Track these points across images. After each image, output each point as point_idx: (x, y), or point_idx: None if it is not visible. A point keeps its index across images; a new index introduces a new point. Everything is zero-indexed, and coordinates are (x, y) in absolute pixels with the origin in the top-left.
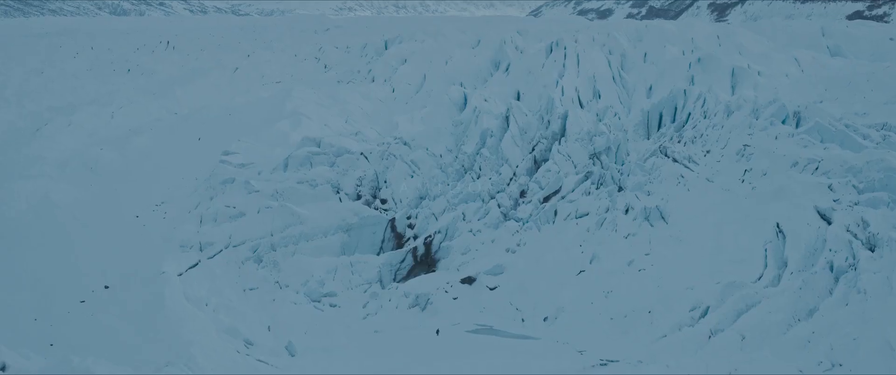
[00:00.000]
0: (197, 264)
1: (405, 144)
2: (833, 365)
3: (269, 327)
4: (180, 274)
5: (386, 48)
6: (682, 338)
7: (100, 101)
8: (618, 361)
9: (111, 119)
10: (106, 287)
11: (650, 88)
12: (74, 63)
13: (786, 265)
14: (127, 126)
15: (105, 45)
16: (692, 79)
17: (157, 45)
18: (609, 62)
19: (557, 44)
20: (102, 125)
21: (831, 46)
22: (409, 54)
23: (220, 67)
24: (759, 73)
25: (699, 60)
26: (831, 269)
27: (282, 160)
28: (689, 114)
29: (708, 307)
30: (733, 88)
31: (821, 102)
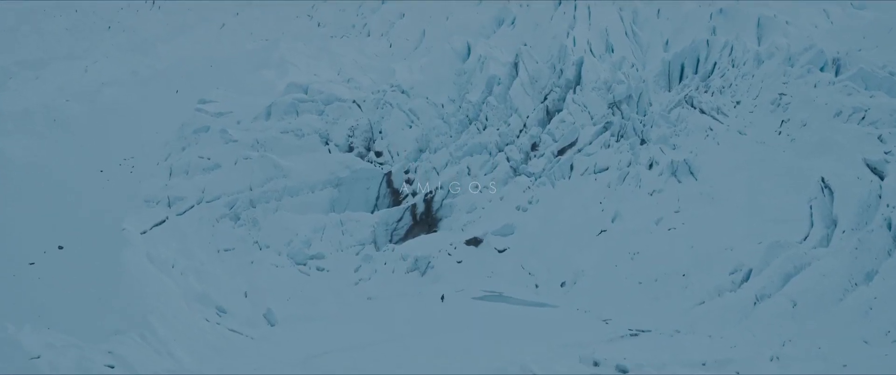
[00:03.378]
0: (164, 221)
1: (403, 92)
2: None
3: (245, 293)
4: (144, 233)
5: (382, 3)
6: (723, 305)
7: (74, 56)
8: (650, 331)
9: (84, 73)
10: (60, 248)
11: (667, 43)
12: (53, 22)
13: (835, 223)
14: (100, 80)
15: (90, 8)
16: (714, 30)
17: (141, 4)
18: (621, 17)
19: None
20: (74, 79)
21: (855, 3)
22: (408, 9)
23: (206, 22)
24: (787, 22)
25: (721, 10)
26: (889, 227)
27: (264, 108)
28: (715, 64)
29: (750, 270)
30: (760, 39)
31: (859, 50)
